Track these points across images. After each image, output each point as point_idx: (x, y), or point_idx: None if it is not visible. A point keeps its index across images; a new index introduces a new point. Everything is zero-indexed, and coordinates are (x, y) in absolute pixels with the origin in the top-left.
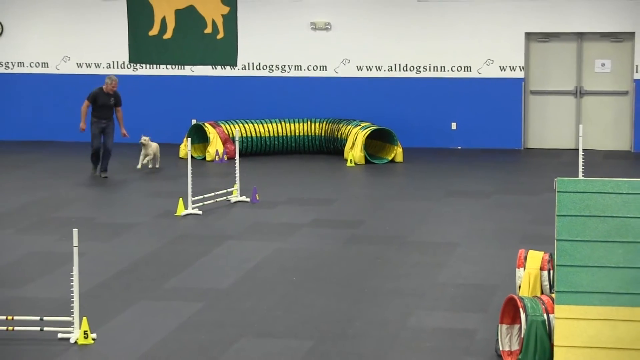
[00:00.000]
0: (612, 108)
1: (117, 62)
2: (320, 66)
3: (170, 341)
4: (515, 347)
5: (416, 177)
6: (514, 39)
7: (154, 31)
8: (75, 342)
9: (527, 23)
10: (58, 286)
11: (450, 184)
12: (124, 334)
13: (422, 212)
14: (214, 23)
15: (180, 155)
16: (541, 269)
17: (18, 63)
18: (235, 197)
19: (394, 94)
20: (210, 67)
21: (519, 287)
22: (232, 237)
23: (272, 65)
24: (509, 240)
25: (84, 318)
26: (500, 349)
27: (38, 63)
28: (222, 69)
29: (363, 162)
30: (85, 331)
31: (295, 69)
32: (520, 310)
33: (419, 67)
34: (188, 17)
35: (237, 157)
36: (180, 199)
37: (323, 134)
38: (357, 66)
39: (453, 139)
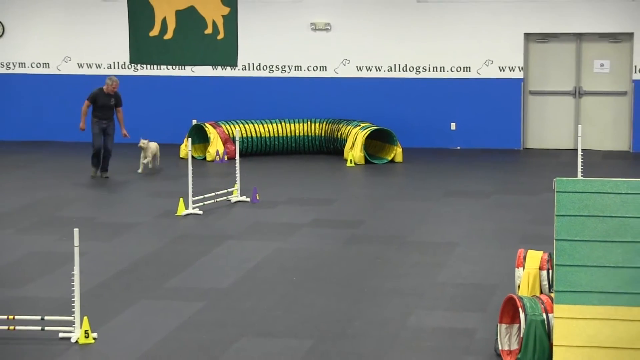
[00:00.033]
0: (610, 108)
1: (118, 62)
2: (320, 67)
3: (171, 341)
4: (515, 346)
5: (416, 177)
6: (513, 39)
7: (155, 32)
8: (76, 341)
9: (526, 24)
10: (59, 286)
11: (450, 184)
12: (125, 334)
13: (422, 212)
14: (214, 24)
15: (181, 156)
16: (540, 268)
17: (19, 63)
18: (236, 197)
19: (393, 94)
20: (210, 67)
21: (518, 286)
22: (232, 237)
23: (272, 66)
24: (509, 240)
25: (85, 317)
26: (500, 348)
27: (39, 63)
28: (222, 69)
29: (363, 162)
30: (86, 331)
31: (295, 70)
32: (520, 309)
33: (419, 67)
34: (188, 18)
35: (237, 157)
36: (181, 199)
37: (323, 134)
38: (357, 66)
39: (452, 139)
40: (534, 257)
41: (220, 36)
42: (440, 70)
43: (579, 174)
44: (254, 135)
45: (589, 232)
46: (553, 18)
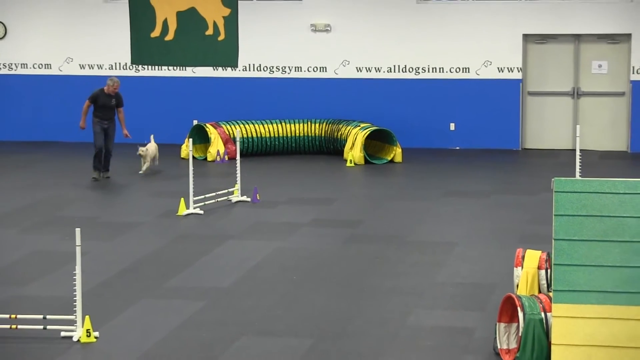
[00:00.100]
0: (608, 109)
1: (120, 63)
2: (320, 67)
3: (172, 339)
4: (513, 345)
5: (415, 177)
6: (512, 40)
7: (156, 33)
8: (78, 340)
9: (525, 25)
10: (61, 285)
11: (449, 184)
12: (126, 332)
13: (421, 211)
14: (215, 25)
15: (182, 156)
16: (539, 268)
17: (21, 64)
18: (236, 197)
19: (393, 95)
20: (211, 68)
21: (517, 286)
22: (233, 236)
23: (273, 67)
24: (507, 239)
25: (87, 316)
26: (498, 347)
27: (41, 64)
28: (223, 70)
29: (362, 162)
30: (87, 329)
31: (295, 70)
32: (518, 308)
33: (418, 68)
34: (189, 19)
35: (238, 157)
36: (182, 199)
37: (323, 135)
38: (356, 67)
39: (452, 139)
40: (533, 257)
41: (221, 37)
42: (440, 71)
43: (577, 174)
44: (254, 135)
45: (587, 232)
46: (551, 19)
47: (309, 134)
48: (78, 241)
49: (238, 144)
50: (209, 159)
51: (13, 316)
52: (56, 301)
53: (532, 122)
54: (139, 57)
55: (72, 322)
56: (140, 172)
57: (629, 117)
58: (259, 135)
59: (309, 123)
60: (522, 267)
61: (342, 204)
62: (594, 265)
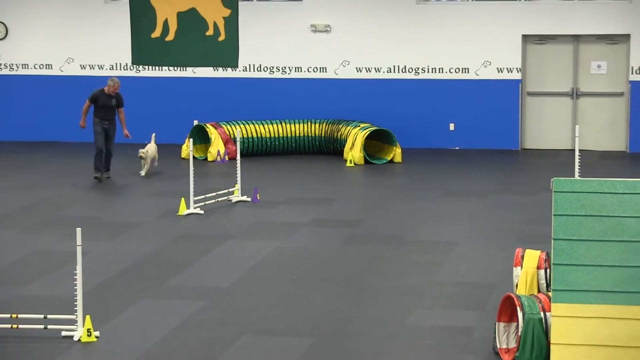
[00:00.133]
0: (607, 109)
1: (120, 63)
2: (320, 68)
3: (172, 339)
4: (513, 344)
5: (415, 177)
6: (511, 41)
7: (157, 33)
8: (79, 339)
9: (524, 25)
10: (61, 285)
11: (449, 184)
12: (127, 332)
13: (421, 211)
14: (215, 25)
15: (182, 156)
16: (538, 267)
17: (22, 65)
18: (237, 197)
19: (393, 95)
20: (211, 68)
21: (516, 285)
22: (233, 236)
23: (273, 67)
24: (507, 239)
25: (87, 316)
26: (498, 346)
27: (42, 65)
28: (223, 70)
29: (362, 162)
30: (88, 329)
31: (295, 71)
32: (518, 308)
33: (418, 68)
34: (190, 20)
35: (238, 157)
36: (182, 199)
37: (323, 135)
38: (356, 68)
39: (451, 139)
40: (532, 256)
41: (221, 38)
42: (439, 72)
43: (577, 174)
44: (254, 135)
45: (587, 232)
46: (551, 20)
47: (309, 134)
48: (79, 241)
49: (238, 144)
50: (210, 159)
51: (14, 316)
52: (57, 301)
53: (531, 122)
54: (139, 57)
55: (73, 322)
56: (142, 174)
57: (627, 118)
58: (259, 135)
59: (309, 123)
60: (522, 267)
61: (342, 204)
62: (593, 265)
